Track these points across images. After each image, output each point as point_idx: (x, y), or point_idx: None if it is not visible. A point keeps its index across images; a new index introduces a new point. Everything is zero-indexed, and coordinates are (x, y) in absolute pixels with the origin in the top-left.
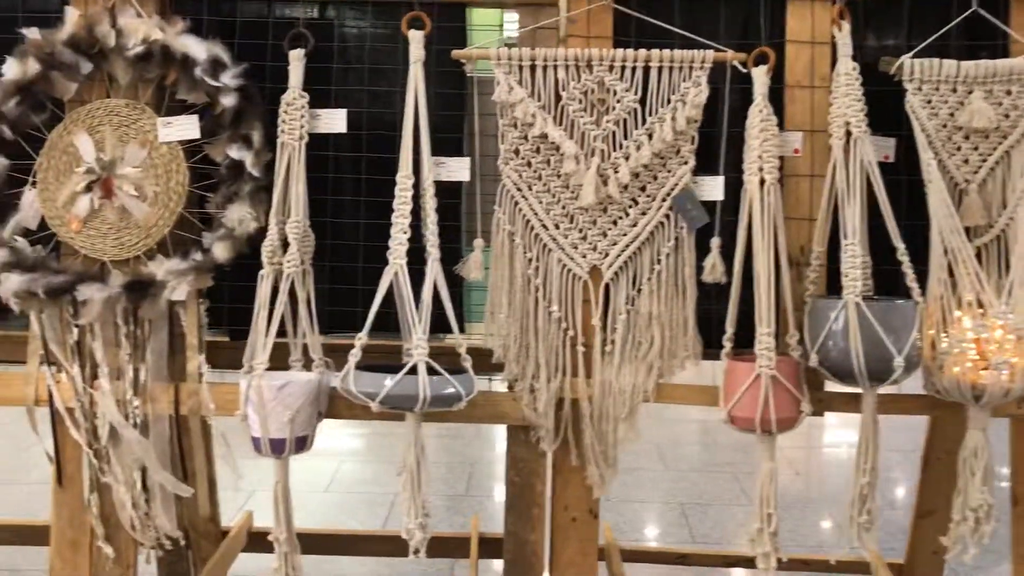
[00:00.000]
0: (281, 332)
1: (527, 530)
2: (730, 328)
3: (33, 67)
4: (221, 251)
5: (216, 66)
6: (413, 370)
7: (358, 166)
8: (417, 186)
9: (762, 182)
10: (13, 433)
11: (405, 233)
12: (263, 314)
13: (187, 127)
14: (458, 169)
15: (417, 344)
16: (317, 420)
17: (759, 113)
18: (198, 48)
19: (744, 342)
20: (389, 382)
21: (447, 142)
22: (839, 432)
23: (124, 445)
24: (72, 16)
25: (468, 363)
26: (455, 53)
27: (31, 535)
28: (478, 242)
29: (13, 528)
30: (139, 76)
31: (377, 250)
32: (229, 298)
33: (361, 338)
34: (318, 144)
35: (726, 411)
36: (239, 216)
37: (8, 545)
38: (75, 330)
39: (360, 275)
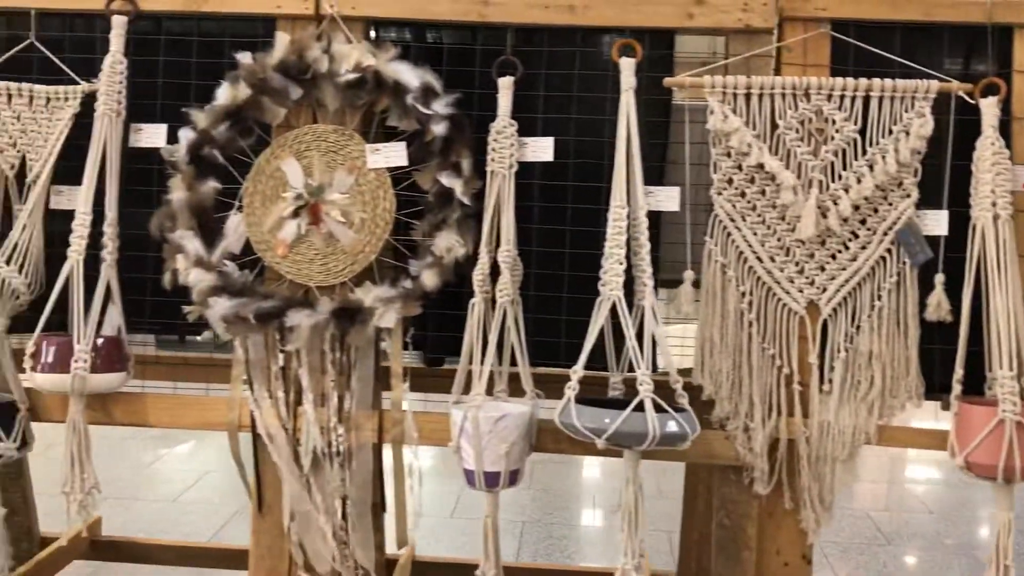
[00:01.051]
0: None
1: (738, 573)
2: (960, 369)
3: (244, 92)
4: (430, 279)
5: (428, 94)
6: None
7: (563, 195)
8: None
9: (996, 217)
10: (133, 451)
11: (621, 264)
12: (477, 343)
13: (395, 154)
14: (667, 199)
15: (642, 380)
16: (528, 453)
17: (991, 146)
18: (410, 75)
19: (971, 383)
20: (612, 419)
21: (649, 171)
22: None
23: (325, 472)
24: (283, 41)
25: (685, 400)
26: (667, 81)
27: (227, 559)
28: (688, 274)
29: (208, 552)
30: (348, 102)
31: (582, 280)
32: (428, 326)
33: (577, 371)
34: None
35: (962, 457)
36: (447, 244)
37: (199, 567)
38: (280, 355)
39: (564, 305)
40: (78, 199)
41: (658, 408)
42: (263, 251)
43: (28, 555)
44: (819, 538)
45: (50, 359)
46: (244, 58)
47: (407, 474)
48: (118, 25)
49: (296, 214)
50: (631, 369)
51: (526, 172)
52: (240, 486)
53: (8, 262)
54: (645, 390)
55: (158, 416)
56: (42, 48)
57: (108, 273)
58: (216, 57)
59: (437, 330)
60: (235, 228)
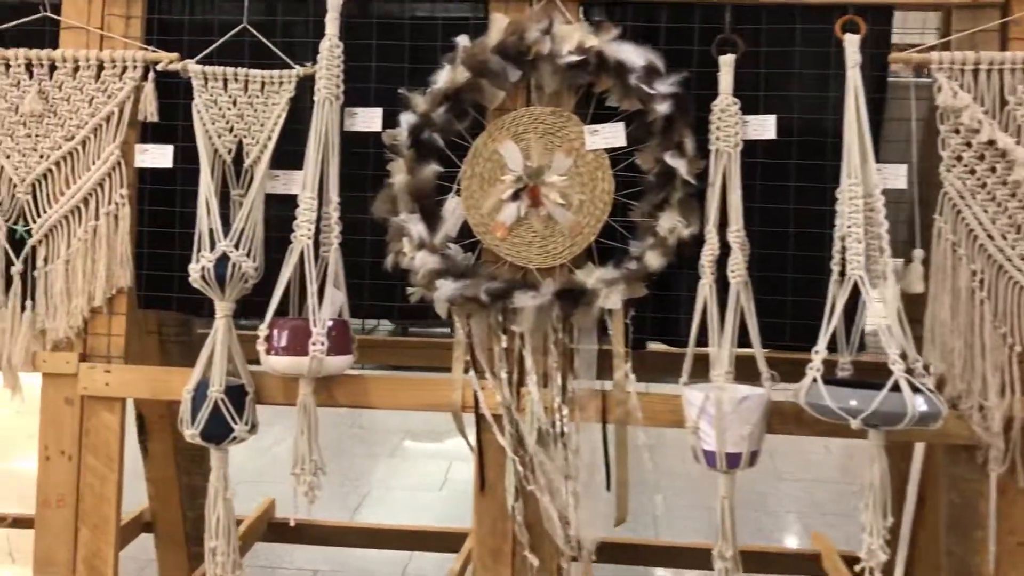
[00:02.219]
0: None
1: (970, 552)
2: None
3: (463, 75)
4: (653, 259)
5: (651, 73)
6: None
7: (785, 173)
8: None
9: None
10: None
11: (860, 243)
12: (712, 325)
13: (614, 135)
14: (895, 176)
15: (895, 360)
16: (763, 434)
17: None
18: (634, 55)
19: None
20: (861, 400)
21: None
22: None
23: (549, 452)
24: (500, 23)
25: (928, 380)
26: (893, 56)
27: (413, 540)
28: (918, 252)
29: (396, 533)
30: (567, 83)
31: (807, 260)
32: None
33: (819, 351)
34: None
35: None
36: (670, 224)
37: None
38: (503, 337)
39: (789, 285)
40: (304, 183)
41: (916, 389)
42: (482, 233)
43: None
44: None
45: (283, 342)
46: (462, 40)
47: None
48: (333, 8)
49: (515, 196)
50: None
51: (747, 151)
52: None
53: (236, 247)
54: (899, 370)
55: (380, 397)
56: (255, 32)
57: (333, 257)
58: (432, 40)
59: (639, 312)
60: (453, 211)
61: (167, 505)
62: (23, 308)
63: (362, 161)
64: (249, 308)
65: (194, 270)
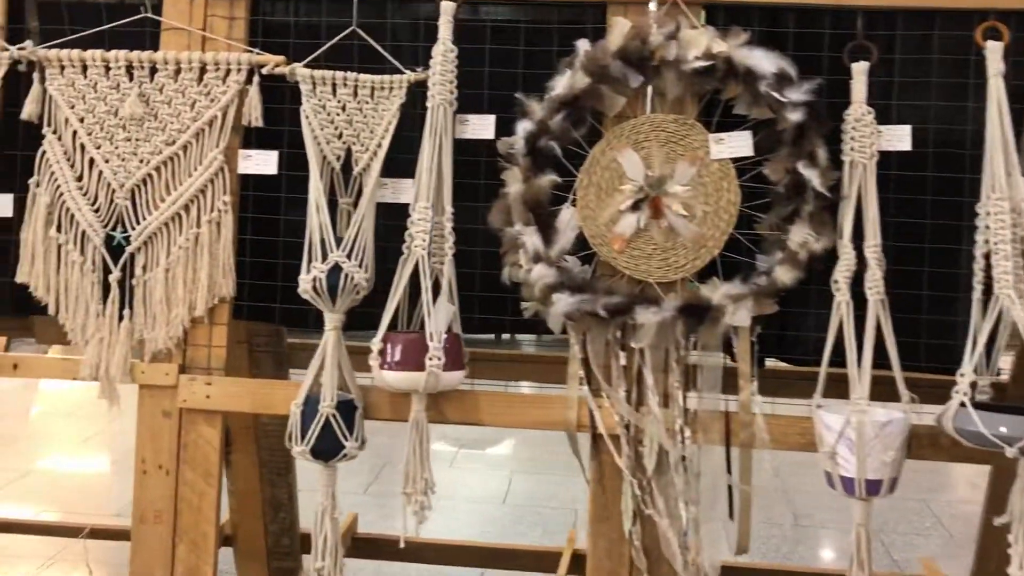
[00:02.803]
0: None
1: None
2: None
3: (582, 80)
4: (784, 275)
5: (782, 80)
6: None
7: (921, 186)
8: None
9: None
10: None
11: (1007, 260)
12: (850, 343)
13: (740, 144)
14: None
15: None
16: (903, 460)
17: None
18: (765, 61)
19: None
20: (1011, 426)
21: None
22: None
23: (669, 475)
24: (622, 27)
25: None
26: None
27: (507, 558)
28: None
29: (490, 552)
30: (691, 90)
31: (943, 277)
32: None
33: (965, 374)
34: None
35: None
36: (801, 238)
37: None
38: (621, 354)
39: (924, 303)
40: (417, 193)
41: None
42: (598, 245)
43: (289, 551)
44: None
45: (397, 357)
46: (582, 44)
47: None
48: (447, 11)
49: (635, 207)
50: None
51: (879, 162)
52: None
53: (349, 256)
54: None
55: (493, 415)
56: (365, 36)
57: (448, 269)
58: (544, 45)
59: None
60: (567, 222)
61: (249, 518)
62: (121, 317)
63: (473, 170)
64: (351, 320)
65: (305, 280)
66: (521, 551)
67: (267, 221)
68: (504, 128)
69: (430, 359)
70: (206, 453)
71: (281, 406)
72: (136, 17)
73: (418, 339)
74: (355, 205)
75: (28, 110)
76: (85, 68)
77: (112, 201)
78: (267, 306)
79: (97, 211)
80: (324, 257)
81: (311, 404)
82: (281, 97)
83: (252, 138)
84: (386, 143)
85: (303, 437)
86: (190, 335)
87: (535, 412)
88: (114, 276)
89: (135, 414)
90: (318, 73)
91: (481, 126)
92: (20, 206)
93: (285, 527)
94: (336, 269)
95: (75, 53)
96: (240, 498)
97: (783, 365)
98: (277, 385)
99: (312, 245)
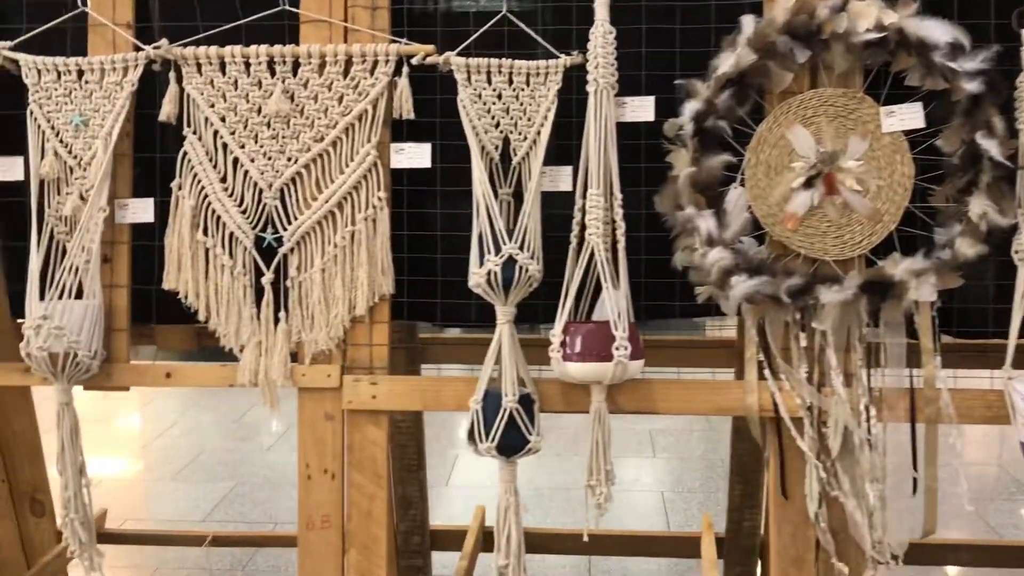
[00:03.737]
0: None
1: None
2: None
3: (748, 57)
4: (966, 247)
5: (956, 50)
6: None
7: None
8: None
9: None
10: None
11: None
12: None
13: (912, 116)
14: None
15: None
16: None
17: None
18: (938, 31)
19: None
20: None
21: None
22: None
23: (854, 455)
24: (786, 1)
25: None
26: None
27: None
28: None
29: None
30: (859, 63)
31: None
32: None
33: None
34: None
35: None
36: (981, 209)
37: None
38: (802, 335)
39: None
40: (589, 179)
41: None
42: (770, 225)
43: (419, 549)
44: None
45: (578, 348)
46: (747, 21)
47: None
48: None
49: (808, 184)
50: None
51: None
52: None
53: (520, 248)
54: None
55: (668, 402)
56: (516, 21)
57: (622, 256)
58: (702, 22)
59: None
60: (736, 202)
61: None
62: (276, 320)
63: (634, 154)
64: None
65: (479, 274)
66: (661, 537)
67: (419, 216)
68: (662, 109)
69: (617, 348)
70: (373, 455)
71: (450, 403)
72: (273, 11)
73: (598, 329)
74: (513, 195)
75: (166, 111)
76: (223, 65)
77: (260, 201)
78: (428, 302)
79: (244, 212)
80: (497, 250)
81: (491, 400)
82: (431, 87)
83: (403, 131)
84: (545, 131)
85: (487, 434)
86: (350, 335)
87: (713, 398)
88: (267, 278)
89: (143, 417)
90: (473, 61)
91: (640, 108)
92: (161, 211)
93: (416, 525)
94: (510, 262)
95: (213, 50)
96: None
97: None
98: (444, 382)
99: (483, 238)
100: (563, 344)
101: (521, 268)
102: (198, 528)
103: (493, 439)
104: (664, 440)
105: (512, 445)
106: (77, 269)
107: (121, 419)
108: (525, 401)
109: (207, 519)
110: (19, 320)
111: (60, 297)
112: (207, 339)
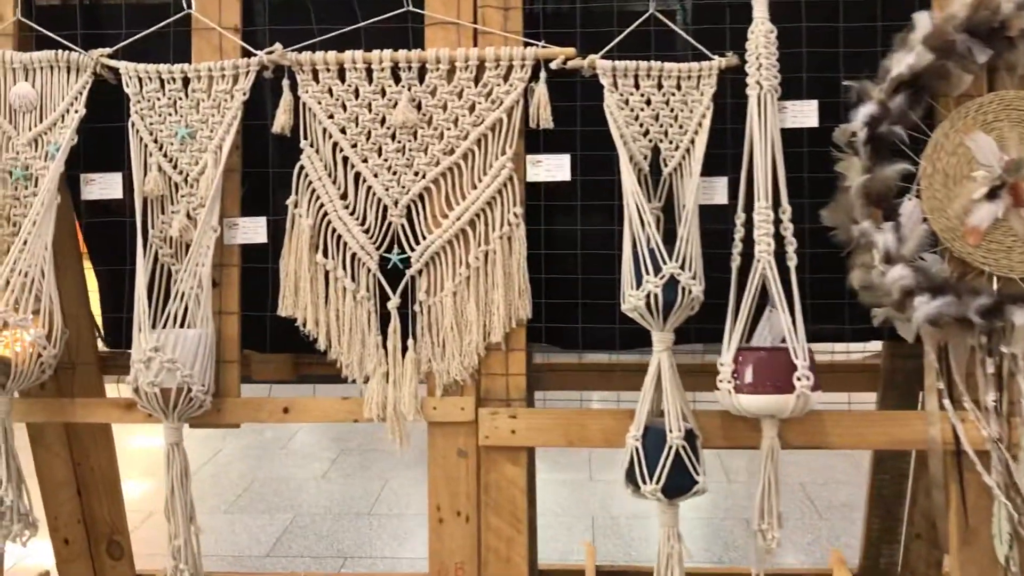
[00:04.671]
0: None
1: None
2: None
3: (925, 57)
4: None
5: None
6: None
7: None
8: None
9: None
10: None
11: None
12: None
13: None
14: None
15: None
16: None
17: None
18: None
19: None
20: None
21: None
22: None
23: None
24: None
25: None
26: None
27: None
28: None
29: None
30: None
31: None
32: None
33: None
34: None
35: None
36: None
37: None
38: (989, 361)
39: None
40: (757, 191)
41: None
42: (949, 240)
43: None
44: None
45: (749, 378)
46: (922, 18)
47: None
48: None
49: (991, 196)
50: None
51: None
52: None
53: (682, 267)
54: None
55: (840, 436)
56: (665, 20)
57: (793, 274)
58: (866, 20)
59: None
60: (910, 215)
61: None
62: (404, 348)
63: (796, 162)
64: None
65: (636, 297)
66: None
67: (550, 233)
68: (825, 115)
69: (799, 379)
70: (512, 496)
71: (597, 438)
72: (396, 12)
73: (772, 356)
74: (663, 209)
75: (280, 122)
76: (342, 72)
77: (385, 219)
78: (569, 327)
79: (368, 231)
80: (657, 270)
81: (652, 436)
82: (570, 94)
83: (541, 142)
84: (701, 139)
85: (651, 475)
86: (484, 364)
87: (891, 430)
88: (393, 303)
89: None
90: (620, 65)
91: (803, 113)
92: (275, 230)
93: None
94: (672, 282)
95: (331, 55)
96: None
97: None
98: (590, 415)
99: (639, 256)
100: (734, 374)
101: (684, 289)
102: (266, 567)
103: (658, 480)
104: (735, 463)
105: (678, 486)
106: (184, 295)
107: (160, 444)
108: (689, 437)
109: (271, 554)
110: (106, 350)
111: (166, 326)
112: (305, 368)
